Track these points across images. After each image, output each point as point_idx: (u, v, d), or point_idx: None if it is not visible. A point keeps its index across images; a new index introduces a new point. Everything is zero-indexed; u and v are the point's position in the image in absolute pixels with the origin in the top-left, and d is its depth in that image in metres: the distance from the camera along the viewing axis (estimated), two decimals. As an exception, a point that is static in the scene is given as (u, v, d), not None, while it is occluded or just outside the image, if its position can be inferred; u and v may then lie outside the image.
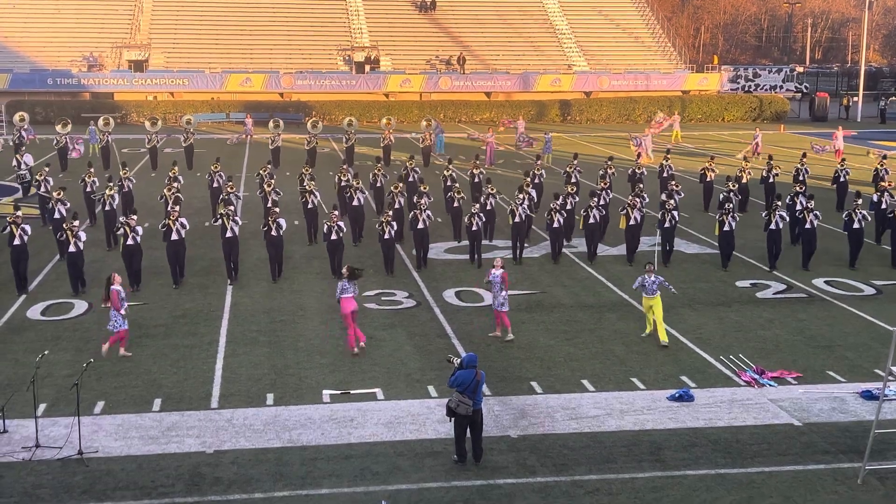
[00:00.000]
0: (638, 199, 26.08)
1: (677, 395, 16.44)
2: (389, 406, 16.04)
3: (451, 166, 32.06)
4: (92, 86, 62.88)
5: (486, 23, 72.94)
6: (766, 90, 73.27)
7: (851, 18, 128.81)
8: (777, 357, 18.56)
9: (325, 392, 16.60)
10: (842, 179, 33.52)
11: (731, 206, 25.37)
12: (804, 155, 35.46)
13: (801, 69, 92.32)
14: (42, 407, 15.67)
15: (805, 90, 79.10)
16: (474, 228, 25.08)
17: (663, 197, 27.27)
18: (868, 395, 16.48)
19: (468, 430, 13.81)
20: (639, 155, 38.58)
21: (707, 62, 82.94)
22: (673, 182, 29.33)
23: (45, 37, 65.92)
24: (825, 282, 24.09)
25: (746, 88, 73.69)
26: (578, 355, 18.60)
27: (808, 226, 25.10)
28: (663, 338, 19.09)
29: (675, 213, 25.45)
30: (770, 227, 24.75)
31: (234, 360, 18.17)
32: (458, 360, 13.85)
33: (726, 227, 24.68)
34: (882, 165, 34.48)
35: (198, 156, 43.11)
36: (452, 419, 13.79)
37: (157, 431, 14.95)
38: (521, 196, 26.14)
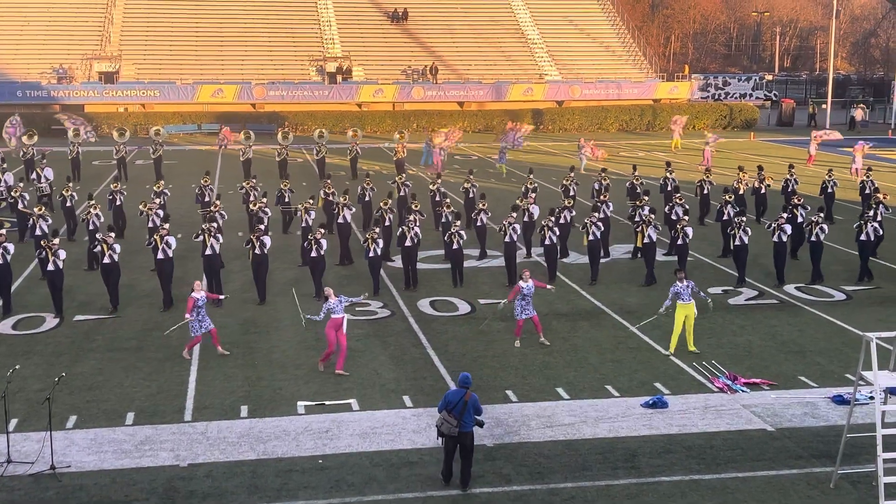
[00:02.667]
0: (653, 216, 25.46)
1: (651, 401, 16.52)
2: (365, 417, 16.01)
3: (438, 181, 31.53)
4: (62, 98, 62.48)
5: (458, 33, 73.17)
6: (735, 98, 73.95)
7: (819, 27, 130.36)
8: (749, 363, 18.70)
9: (299, 403, 16.55)
10: (829, 190, 33.02)
11: (744, 220, 24.69)
12: (791, 166, 35.28)
13: (770, 77, 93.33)
14: (14, 422, 15.51)
15: (774, 98, 79.93)
16: (455, 247, 24.27)
17: (670, 210, 26.97)
18: (839, 400, 16.63)
19: (457, 451, 13.41)
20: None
21: (677, 71, 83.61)
22: (678, 195, 28.81)
23: (13, 49, 65.44)
24: (796, 288, 24.30)
25: (716, 97, 74.34)
26: (553, 363, 18.65)
27: (813, 238, 24.78)
28: (692, 347, 19.12)
29: (689, 230, 24.88)
30: (773, 240, 24.54)
31: (207, 373, 18.07)
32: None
33: (738, 242, 24.29)
34: (868, 177, 34.18)
35: (170, 167, 42.90)
36: (442, 440, 13.42)
37: (131, 445, 14.84)
38: (514, 215, 25.18)
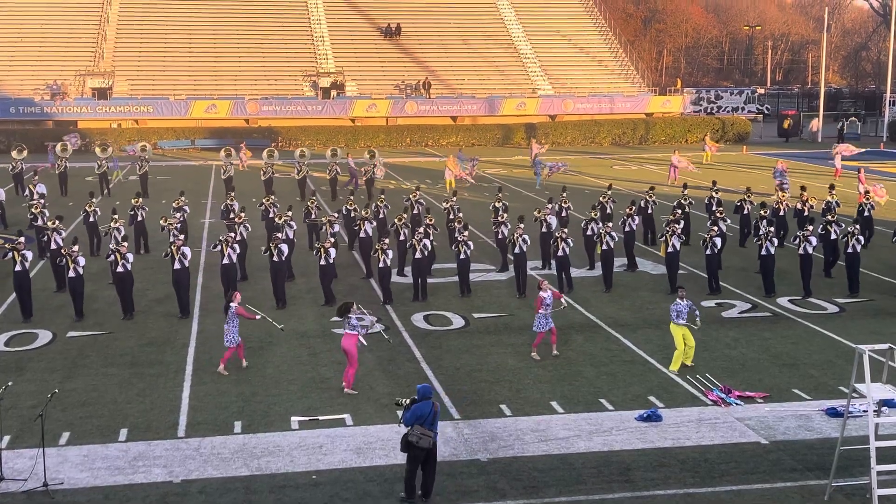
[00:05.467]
0: (677, 226, 25.62)
1: (645, 415, 16.52)
2: (359, 432, 15.98)
3: (454, 198, 31.42)
4: (55, 114, 62.54)
5: (451, 47, 73.42)
6: (728, 112, 74.27)
7: (811, 40, 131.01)
8: (743, 376, 18.71)
9: (293, 419, 16.51)
10: (866, 214, 31.68)
11: (772, 230, 24.83)
12: (832, 187, 34.80)
13: (762, 91, 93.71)
14: (6, 439, 15.45)
15: (766, 112, 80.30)
16: (462, 257, 24.66)
17: (713, 225, 26.92)
18: (833, 413, 16.64)
19: (421, 465, 13.36)
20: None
21: (670, 85, 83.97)
22: (720, 209, 28.64)
23: (7, 65, 65.50)
24: (789, 300, 24.35)
25: (709, 110, 74.67)
26: (547, 377, 18.64)
27: (850, 250, 24.87)
28: (689, 361, 19.19)
29: (718, 239, 24.90)
30: (799, 252, 24.67)
31: (200, 389, 18.03)
32: (407, 401, 13.35)
33: (763, 252, 24.53)
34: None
35: (163, 182, 42.90)
36: (407, 454, 13.29)
37: (124, 462, 14.79)
38: (522, 226, 25.26)
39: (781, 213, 31.10)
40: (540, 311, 19.62)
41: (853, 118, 76.18)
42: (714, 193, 32.90)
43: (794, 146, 67.26)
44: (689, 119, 70.83)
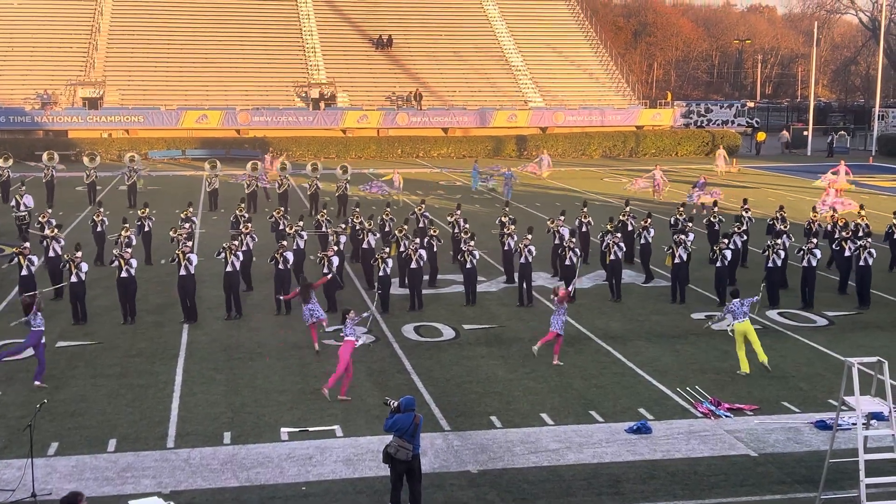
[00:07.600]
0: (683, 237, 25.69)
1: (635, 427, 16.54)
2: (349, 443, 15.95)
3: (458, 211, 31.27)
4: (46, 123, 62.44)
5: (443, 59, 73.61)
6: (717, 125, 74.57)
7: (800, 54, 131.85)
8: (732, 388, 18.75)
9: (283, 430, 16.48)
10: (895, 236, 30.63)
11: (778, 242, 24.87)
12: (861, 207, 34.63)
13: (752, 104, 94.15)
14: (-6, 449, 15.40)
15: (756, 125, 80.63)
16: (468, 266, 24.85)
17: (729, 240, 26.93)
18: (822, 425, 16.69)
19: (404, 477, 13.31)
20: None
21: (660, 98, 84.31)
22: (737, 224, 28.68)
23: (-3, 74, 65.45)
24: (779, 313, 24.42)
25: (699, 123, 74.92)
26: (537, 389, 18.65)
27: (861, 263, 24.90)
28: (763, 358, 19.40)
29: (728, 252, 24.91)
30: (802, 265, 24.77)
31: (190, 399, 17.98)
32: (396, 403, 13.31)
33: (770, 264, 24.61)
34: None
35: (153, 193, 42.80)
36: (389, 465, 13.27)
37: (113, 472, 14.73)
38: (529, 237, 25.33)
39: (814, 231, 30.46)
40: (562, 306, 19.83)
41: (842, 132, 76.57)
42: (744, 213, 32.50)
43: (790, 160, 67.50)
44: (679, 132, 71.11)
